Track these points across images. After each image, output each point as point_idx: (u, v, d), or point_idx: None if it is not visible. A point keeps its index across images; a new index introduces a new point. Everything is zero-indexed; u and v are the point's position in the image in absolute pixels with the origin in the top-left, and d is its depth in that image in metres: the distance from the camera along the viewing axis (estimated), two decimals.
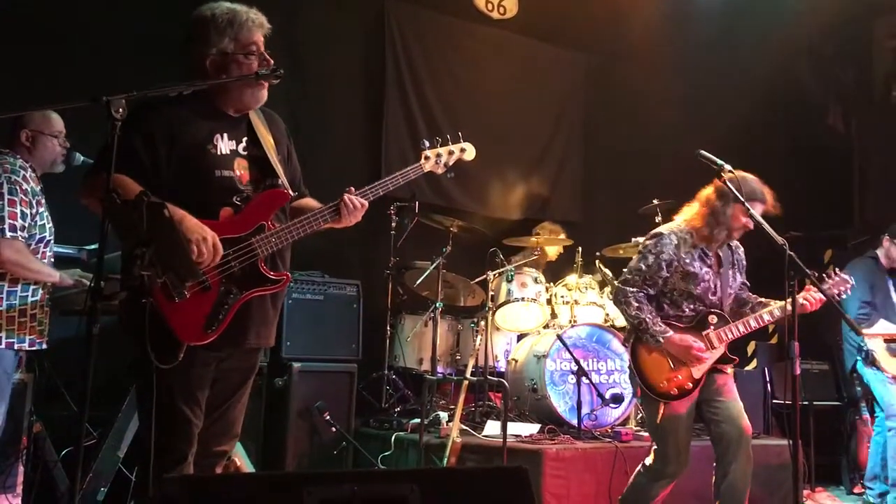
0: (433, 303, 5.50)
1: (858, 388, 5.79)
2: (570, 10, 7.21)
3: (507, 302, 5.64)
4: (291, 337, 5.10)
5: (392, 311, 5.82)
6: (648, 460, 3.70)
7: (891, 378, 5.20)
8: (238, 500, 1.80)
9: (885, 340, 5.27)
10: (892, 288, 5.46)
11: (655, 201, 5.81)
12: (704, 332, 3.58)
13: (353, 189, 2.79)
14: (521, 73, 7.45)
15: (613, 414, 5.12)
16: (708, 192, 3.66)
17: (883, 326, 5.30)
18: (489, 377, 5.27)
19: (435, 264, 5.50)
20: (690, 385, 3.55)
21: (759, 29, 6.94)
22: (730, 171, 3.43)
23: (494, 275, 5.68)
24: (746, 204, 3.40)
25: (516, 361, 5.58)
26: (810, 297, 3.59)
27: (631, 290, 3.59)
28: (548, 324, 5.69)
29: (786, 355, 3.09)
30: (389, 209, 5.87)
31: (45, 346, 3.51)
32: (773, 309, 3.64)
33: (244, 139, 2.71)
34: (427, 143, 3.01)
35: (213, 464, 2.71)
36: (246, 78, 2.63)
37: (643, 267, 3.60)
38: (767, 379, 6.37)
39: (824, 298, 3.52)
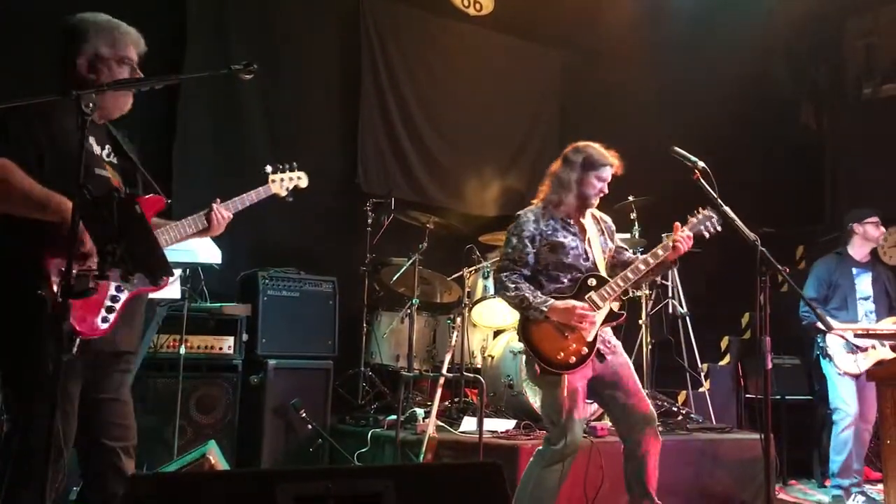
0: (409, 299, 5.50)
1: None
2: (546, 7, 7.24)
3: (483, 298, 5.65)
4: (267, 334, 5.08)
5: (368, 307, 5.81)
6: (540, 447, 3.64)
7: (842, 372, 5.26)
8: (212, 498, 1.78)
9: (857, 334, 5.33)
10: (861, 282, 5.41)
11: (631, 198, 5.84)
12: (587, 296, 3.58)
13: (219, 200, 2.92)
14: (498, 69, 7.46)
15: (589, 410, 5.15)
16: (555, 164, 3.77)
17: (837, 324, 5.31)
18: (465, 373, 5.29)
19: (411, 261, 5.50)
20: (586, 350, 3.53)
21: (733, 27, 7.00)
22: (703, 168, 3.47)
23: (471, 271, 5.69)
24: (717, 199, 3.43)
25: (492, 358, 5.59)
26: (679, 237, 3.60)
27: (505, 273, 3.63)
28: None
29: (757, 350, 3.12)
30: (365, 206, 5.86)
31: None
32: (647, 257, 3.63)
33: (107, 146, 2.77)
34: (270, 169, 3.17)
35: (111, 461, 2.62)
36: (216, 72, 2.68)
37: (509, 250, 3.66)
38: (740, 373, 6.42)
39: (691, 236, 3.61)
